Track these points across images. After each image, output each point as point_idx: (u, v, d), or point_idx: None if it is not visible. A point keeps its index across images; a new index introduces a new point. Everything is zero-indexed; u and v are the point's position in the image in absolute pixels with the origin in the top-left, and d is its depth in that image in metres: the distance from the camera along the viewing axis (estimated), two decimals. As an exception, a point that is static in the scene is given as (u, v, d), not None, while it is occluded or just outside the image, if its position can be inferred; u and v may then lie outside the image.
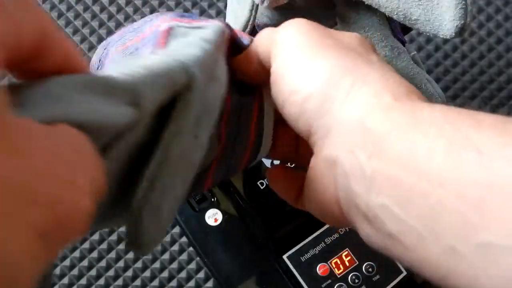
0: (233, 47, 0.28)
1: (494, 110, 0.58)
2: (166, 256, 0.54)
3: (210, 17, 0.61)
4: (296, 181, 0.30)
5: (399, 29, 0.35)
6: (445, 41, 0.61)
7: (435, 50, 0.60)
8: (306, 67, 0.24)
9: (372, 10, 0.31)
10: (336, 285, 0.45)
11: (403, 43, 0.35)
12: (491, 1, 0.62)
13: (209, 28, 0.25)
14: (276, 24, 0.39)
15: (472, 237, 0.18)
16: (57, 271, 0.53)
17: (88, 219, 0.15)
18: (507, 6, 0.62)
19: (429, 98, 0.34)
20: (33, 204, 0.12)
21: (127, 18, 0.61)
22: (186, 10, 0.61)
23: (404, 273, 0.45)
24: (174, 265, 0.54)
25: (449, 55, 0.60)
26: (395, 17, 0.30)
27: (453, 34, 0.29)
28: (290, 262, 0.46)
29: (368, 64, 0.24)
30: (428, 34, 0.30)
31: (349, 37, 0.26)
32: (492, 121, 0.19)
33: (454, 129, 0.19)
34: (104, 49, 0.28)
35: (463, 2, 0.28)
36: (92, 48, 0.60)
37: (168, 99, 0.20)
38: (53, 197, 0.13)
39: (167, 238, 0.54)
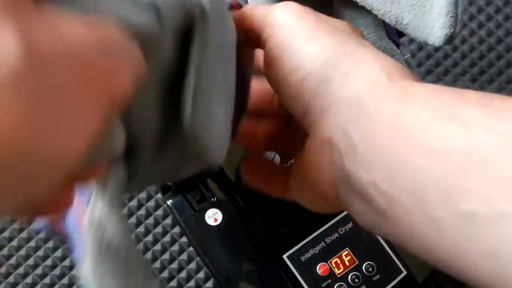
0: None
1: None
2: (166, 256, 0.54)
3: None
4: (271, 171, 0.31)
5: (394, 31, 0.35)
6: (445, 41, 0.61)
7: (435, 50, 0.60)
8: (304, 48, 0.24)
9: (368, 11, 0.31)
10: (336, 285, 0.45)
11: (398, 45, 0.35)
12: (491, 1, 0.62)
13: None
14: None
15: (455, 206, 0.18)
16: (57, 271, 0.53)
17: (131, 88, 0.18)
18: (507, 6, 0.62)
19: None
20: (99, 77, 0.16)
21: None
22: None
23: (404, 272, 0.45)
24: (174, 265, 0.54)
25: (449, 55, 0.60)
26: (387, 20, 0.31)
27: (442, 42, 0.29)
28: (290, 262, 0.46)
29: (363, 47, 0.24)
30: (418, 40, 0.30)
31: (342, 23, 0.27)
32: (477, 97, 0.20)
33: (441, 103, 0.20)
34: None
35: (454, 11, 0.28)
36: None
37: (185, 28, 0.22)
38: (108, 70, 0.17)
39: (167, 238, 0.54)
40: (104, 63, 0.16)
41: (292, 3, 0.27)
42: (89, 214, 0.21)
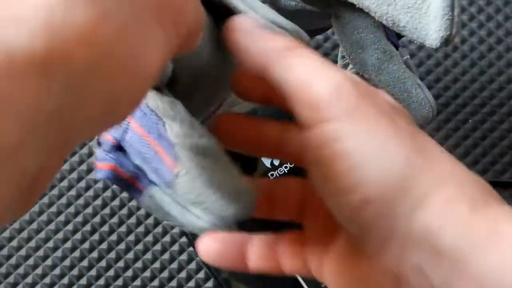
0: None
1: (493, 110, 0.58)
2: (166, 256, 0.54)
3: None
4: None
5: (393, 33, 0.35)
6: (445, 41, 0.61)
7: (435, 50, 0.60)
8: (367, 165, 0.20)
9: (366, 12, 0.31)
10: (336, 285, 0.45)
11: (396, 46, 0.35)
12: (491, 1, 0.62)
13: None
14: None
15: None
16: (57, 271, 0.53)
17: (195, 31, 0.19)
18: (507, 6, 0.62)
19: (419, 104, 0.34)
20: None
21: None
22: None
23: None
24: (174, 265, 0.54)
25: (449, 55, 0.60)
26: (384, 22, 0.31)
27: (438, 44, 0.29)
28: (290, 262, 0.45)
29: (432, 157, 0.20)
30: (415, 42, 0.30)
31: (397, 111, 0.21)
32: None
33: None
34: None
35: (450, 13, 0.28)
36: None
37: None
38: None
39: (167, 238, 0.54)
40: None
41: (338, 72, 0.21)
42: (174, 132, 0.23)
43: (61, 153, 0.15)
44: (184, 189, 0.22)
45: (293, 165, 0.45)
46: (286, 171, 0.46)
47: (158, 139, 0.23)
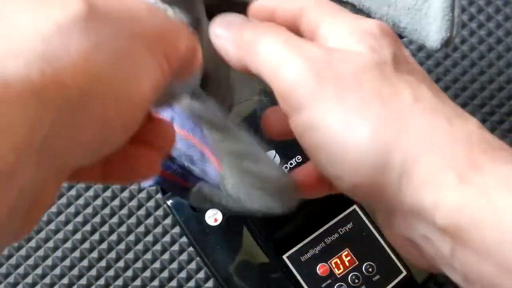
0: None
1: (493, 110, 0.58)
2: (166, 256, 0.54)
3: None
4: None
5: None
6: (445, 41, 0.61)
7: (435, 51, 0.60)
8: (345, 154, 0.20)
9: (366, 13, 0.31)
10: (336, 285, 0.45)
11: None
12: (491, 1, 0.62)
13: None
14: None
15: None
16: (57, 271, 0.53)
17: (186, 56, 0.20)
18: (507, 6, 0.62)
19: None
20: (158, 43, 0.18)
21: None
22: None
23: (404, 273, 0.45)
24: (174, 265, 0.54)
25: (449, 55, 0.60)
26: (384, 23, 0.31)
27: (439, 46, 0.29)
28: (290, 262, 0.46)
29: (407, 120, 0.20)
30: (416, 42, 0.30)
31: (362, 71, 0.21)
32: None
33: None
34: None
35: (450, 14, 0.28)
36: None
37: None
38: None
39: (167, 238, 0.54)
40: (156, 26, 0.18)
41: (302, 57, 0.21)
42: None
43: (57, 180, 0.16)
44: (233, 191, 0.24)
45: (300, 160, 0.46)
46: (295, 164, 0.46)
47: (202, 139, 0.24)
